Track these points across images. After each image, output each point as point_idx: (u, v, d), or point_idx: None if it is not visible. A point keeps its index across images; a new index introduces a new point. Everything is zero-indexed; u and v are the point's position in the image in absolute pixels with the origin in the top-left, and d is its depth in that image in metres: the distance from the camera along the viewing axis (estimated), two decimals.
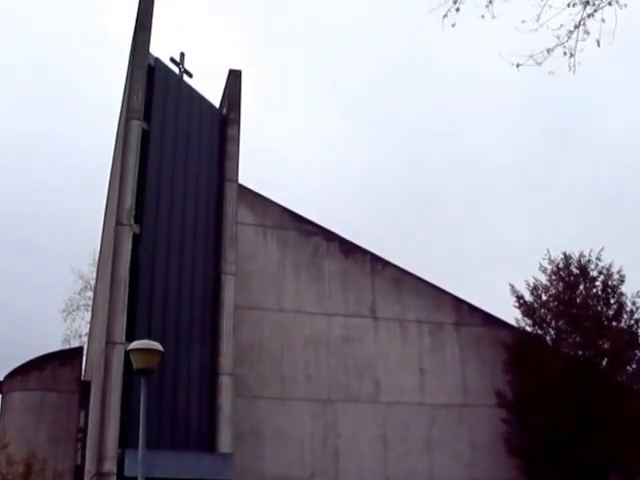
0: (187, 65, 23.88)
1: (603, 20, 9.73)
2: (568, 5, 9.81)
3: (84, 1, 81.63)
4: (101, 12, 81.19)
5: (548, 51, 10.05)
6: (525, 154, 72.93)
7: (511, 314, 26.72)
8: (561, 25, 9.84)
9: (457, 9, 9.99)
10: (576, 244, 27.03)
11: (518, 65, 10.36)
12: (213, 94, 25.02)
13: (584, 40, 9.78)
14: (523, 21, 9.94)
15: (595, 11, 9.72)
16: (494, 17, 9.99)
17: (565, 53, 9.98)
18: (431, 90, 76.64)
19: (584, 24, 9.78)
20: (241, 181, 24.18)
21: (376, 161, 74.76)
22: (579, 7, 9.82)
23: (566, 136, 71.49)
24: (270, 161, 65.65)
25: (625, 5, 9.69)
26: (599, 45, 9.80)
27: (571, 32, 9.81)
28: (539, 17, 9.81)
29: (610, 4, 9.69)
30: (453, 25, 10.12)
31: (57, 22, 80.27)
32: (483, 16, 10.03)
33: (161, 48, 23.07)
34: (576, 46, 9.88)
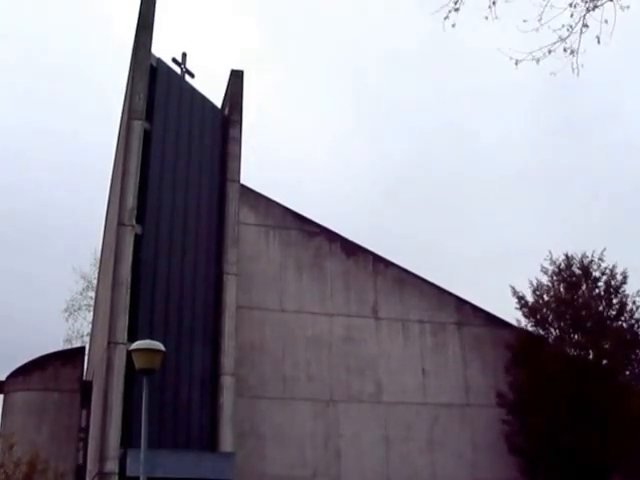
0: (189, 65, 23.93)
1: (606, 21, 9.74)
2: (570, 5, 9.81)
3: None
4: (105, 11, 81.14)
5: (549, 51, 10.06)
6: (532, 155, 72.91)
7: (514, 314, 26.78)
8: (563, 25, 9.86)
9: (456, 9, 10.01)
10: (583, 245, 27.02)
11: (517, 62, 10.38)
12: (216, 94, 25.09)
13: (584, 33, 9.78)
14: (524, 20, 9.96)
15: (596, 7, 9.71)
16: (496, 18, 10.01)
17: (565, 50, 9.99)
18: (440, 91, 76.57)
19: (585, 21, 9.79)
20: (243, 181, 24.23)
21: (382, 161, 74.80)
22: (581, 5, 9.82)
23: (576, 137, 71.39)
24: (276, 162, 65.71)
25: (627, 7, 9.70)
26: (599, 42, 9.81)
27: (572, 27, 9.82)
28: (541, 17, 9.83)
29: (611, 0, 9.69)
30: (453, 25, 10.14)
31: (59, 21, 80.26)
32: (487, 17, 10.05)
33: (163, 48, 23.12)
34: (579, 45, 9.89)
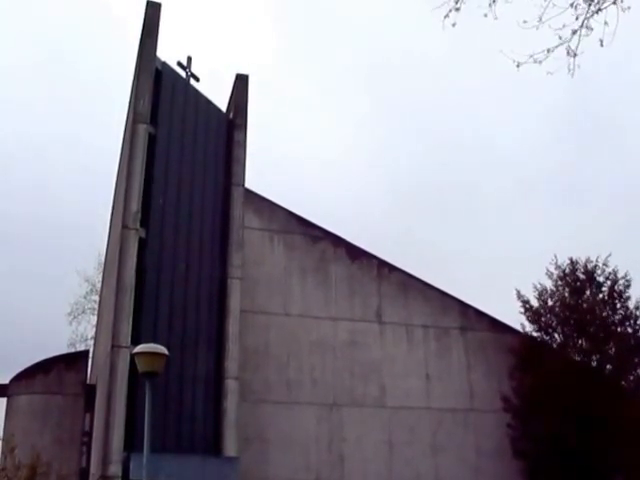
0: (194, 69, 23.94)
1: (606, 23, 9.72)
2: (571, 5, 9.79)
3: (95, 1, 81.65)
4: (111, 13, 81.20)
5: (548, 50, 10.04)
6: (544, 159, 72.72)
7: (518, 318, 26.74)
8: (563, 25, 9.84)
9: (457, 9, 9.99)
10: (595, 249, 26.88)
11: (518, 65, 10.36)
12: (220, 98, 25.11)
13: (587, 36, 9.76)
14: (525, 21, 9.95)
15: (600, 10, 9.70)
16: (496, 18, 9.99)
17: (569, 53, 9.97)
18: (452, 93, 76.45)
19: (587, 23, 9.77)
20: (248, 185, 24.21)
21: (391, 164, 74.76)
22: (582, 6, 9.80)
23: (590, 140, 71.20)
24: (281, 165, 65.70)
25: (628, 8, 9.67)
26: (602, 45, 9.79)
27: (575, 31, 9.79)
28: (540, 17, 9.82)
29: (615, 3, 9.66)
30: (453, 25, 10.12)
31: (63, 22, 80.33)
32: (486, 15, 10.03)
33: (168, 52, 23.14)
34: (577, 45, 9.88)
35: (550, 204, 68.55)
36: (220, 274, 22.34)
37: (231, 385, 21.22)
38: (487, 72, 70.42)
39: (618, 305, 26.10)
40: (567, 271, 26.64)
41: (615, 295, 26.15)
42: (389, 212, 68.55)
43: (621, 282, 26.11)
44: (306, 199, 54.95)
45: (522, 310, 26.53)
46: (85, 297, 41.91)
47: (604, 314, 25.98)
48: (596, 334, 25.50)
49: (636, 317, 25.80)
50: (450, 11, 10.07)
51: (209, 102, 24.08)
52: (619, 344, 25.35)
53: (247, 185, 24.02)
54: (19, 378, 27.15)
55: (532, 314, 26.42)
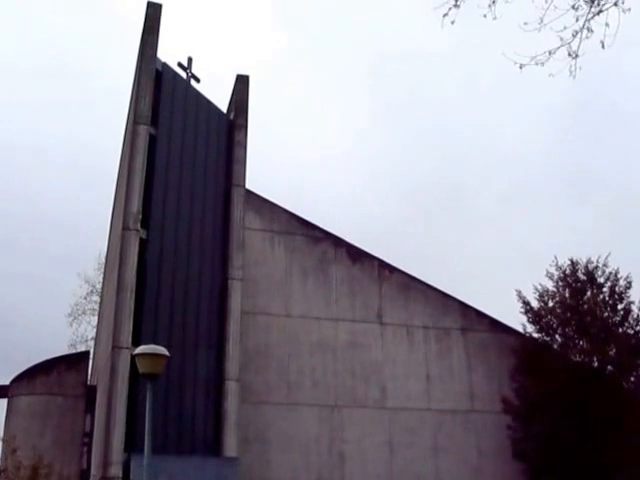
0: (195, 70, 23.96)
1: (607, 24, 9.71)
2: (572, 7, 9.78)
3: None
4: (113, 13, 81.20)
5: (550, 52, 10.03)
6: (548, 159, 72.63)
7: (519, 319, 26.72)
8: (564, 27, 9.83)
9: (456, 5, 9.96)
10: (589, 249, 26.89)
11: (521, 66, 10.33)
12: (221, 98, 25.11)
13: (588, 38, 9.75)
14: (525, 22, 9.93)
15: (600, 11, 9.68)
16: (495, 18, 9.98)
17: (570, 54, 9.95)
18: (456, 91, 76.42)
19: (588, 24, 9.76)
20: (249, 186, 24.20)
21: (390, 165, 74.72)
22: (584, 8, 9.79)
23: (590, 141, 71.12)
24: (285, 165, 65.70)
25: (629, 9, 9.65)
26: (603, 47, 9.78)
27: (577, 32, 9.78)
28: (542, 19, 9.81)
29: (616, 4, 9.65)
30: (452, 22, 10.10)
31: (66, 22, 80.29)
32: (485, 15, 10.01)
33: (169, 53, 23.14)
34: (578, 47, 9.86)
35: (551, 204, 68.57)
36: (221, 275, 22.35)
37: (232, 386, 21.23)
38: (487, 72, 70.39)
39: (619, 306, 26.05)
40: (568, 272, 26.59)
41: (616, 296, 26.11)
42: (389, 212, 68.62)
43: (622, 283, 26.08)
44: (307, 200, 55.01)
45: (523, 311, 26.51)
46: (85, 298, 41.95)
47: (605, 315, 25.94)
48: (597, 335, 25.46)
49: (637, 318, 25.76)
50: (450, 9, 10.04)
51: (210, 103, 24.09)
52: (620, 345, 25.29)
53: (248, 186, 24.04)
54: (20, 379, 27.14)
55: (533, 315, 26.38)
